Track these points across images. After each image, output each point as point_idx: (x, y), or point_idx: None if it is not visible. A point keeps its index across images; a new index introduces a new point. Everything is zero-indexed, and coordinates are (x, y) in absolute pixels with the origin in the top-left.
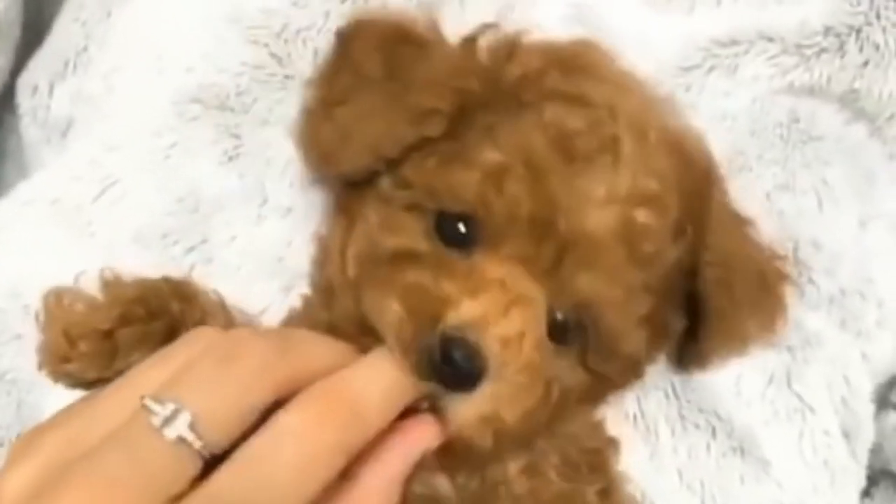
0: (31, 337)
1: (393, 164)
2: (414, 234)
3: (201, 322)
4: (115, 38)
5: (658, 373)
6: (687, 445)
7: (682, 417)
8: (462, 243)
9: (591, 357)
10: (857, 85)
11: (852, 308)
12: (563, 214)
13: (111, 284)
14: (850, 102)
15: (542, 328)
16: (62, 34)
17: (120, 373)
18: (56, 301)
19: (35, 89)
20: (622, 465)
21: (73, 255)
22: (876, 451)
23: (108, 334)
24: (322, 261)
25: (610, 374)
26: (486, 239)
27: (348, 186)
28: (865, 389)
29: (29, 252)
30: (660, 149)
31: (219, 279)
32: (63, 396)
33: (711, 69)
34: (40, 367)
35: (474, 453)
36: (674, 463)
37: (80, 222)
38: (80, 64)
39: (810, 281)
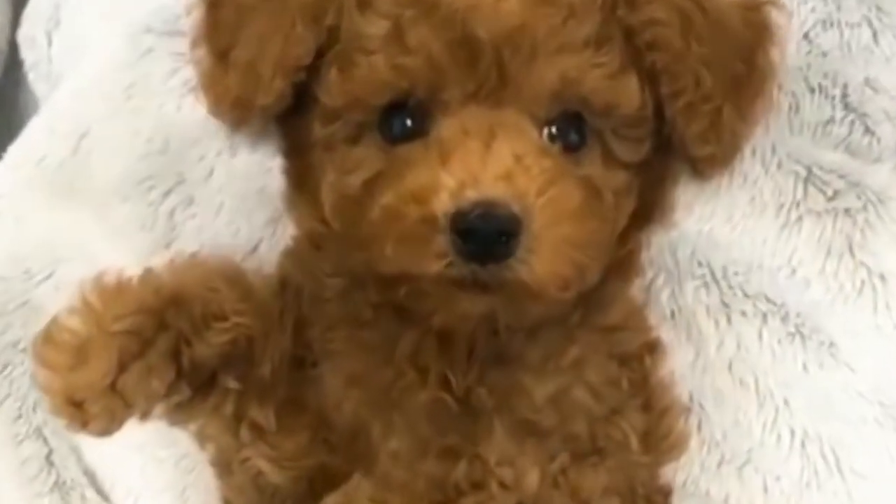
0: (38, 302)
1: (312, 104)
2: (370, 160)
3: (205, 317)
4: None
5: (691, 257)
6: (735, 337)
7: (725, 306)
8: (418, 132)
9: (613, 146)
10: None
11: None
12: (476, 27)
13: (92, 312)
14: None
15: (536, 142)
16: None
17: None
18: (44, 359)
19: (33, 41)
20: (665, 368)
21: (64, 216)
22: None
23: (113, 385)
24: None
25: (636, 155)
26: (431, 109)
27: (292, 156)
28: None
29: (23, 216)
30: None
31: (202, 221)
32: None
33: None
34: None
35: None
36: (721, 358)
37: (63, 180)
38: (65, 11)
39: (867, 130)
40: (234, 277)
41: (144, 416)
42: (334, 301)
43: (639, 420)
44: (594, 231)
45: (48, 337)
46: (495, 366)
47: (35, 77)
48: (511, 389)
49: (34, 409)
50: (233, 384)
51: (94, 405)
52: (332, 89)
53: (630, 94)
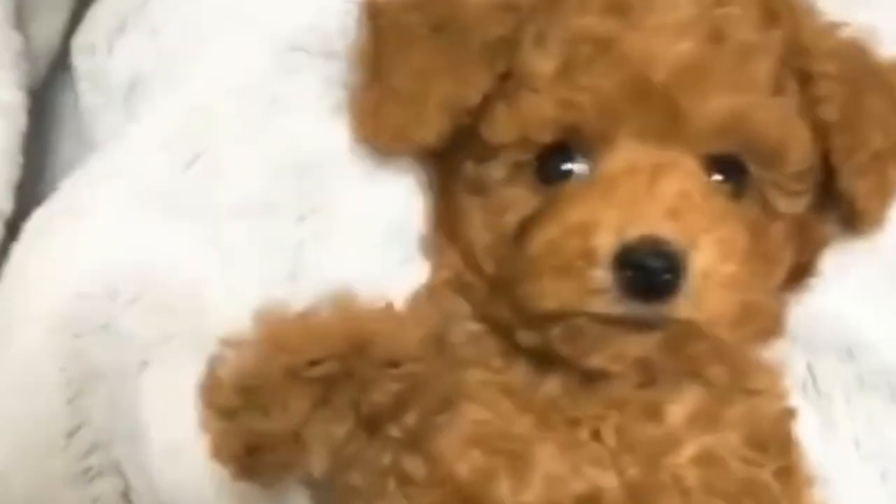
0: (121, 325)
1: (466, 142)
2: (525, 199)
3: (382, 362)
4: None
5: (829, 332)
6: (865, 412)
7: (858, 380)
8: (578, 171)
9: (773, 196)
10: None
11: None
12: (650, 68)
13: (278, 354)
14: None
15: (701, 181)
16: None
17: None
18: (217, 401)
19: (93, 49)
20: (799, 437)
21: (163, 235)
22: None
23: (297, 436)
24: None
25: (794, 208)
26: (595, 148)
27: (437, 195)
28: None
29: (113, 233)
30: None
31: (331, 253)
32: (160, 392)
33: None
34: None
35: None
36: (850, 432)
37: (169, 197)
38: (143, 18)
39: None
40: (398, 320)
41: (318, 467)
42: (465, 346)
43: (779, 487)
44: (760, 273)
45: (220, 376)
46: (642, 420)
47: (87, 87)
48: (658, 446)
49: (113, 441)
50: (397, 432)
51: (272, 454)
52: (497, 125)
53: (799, 142)
